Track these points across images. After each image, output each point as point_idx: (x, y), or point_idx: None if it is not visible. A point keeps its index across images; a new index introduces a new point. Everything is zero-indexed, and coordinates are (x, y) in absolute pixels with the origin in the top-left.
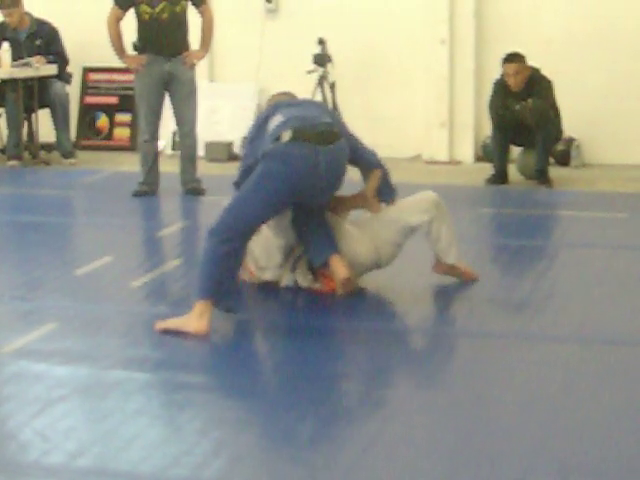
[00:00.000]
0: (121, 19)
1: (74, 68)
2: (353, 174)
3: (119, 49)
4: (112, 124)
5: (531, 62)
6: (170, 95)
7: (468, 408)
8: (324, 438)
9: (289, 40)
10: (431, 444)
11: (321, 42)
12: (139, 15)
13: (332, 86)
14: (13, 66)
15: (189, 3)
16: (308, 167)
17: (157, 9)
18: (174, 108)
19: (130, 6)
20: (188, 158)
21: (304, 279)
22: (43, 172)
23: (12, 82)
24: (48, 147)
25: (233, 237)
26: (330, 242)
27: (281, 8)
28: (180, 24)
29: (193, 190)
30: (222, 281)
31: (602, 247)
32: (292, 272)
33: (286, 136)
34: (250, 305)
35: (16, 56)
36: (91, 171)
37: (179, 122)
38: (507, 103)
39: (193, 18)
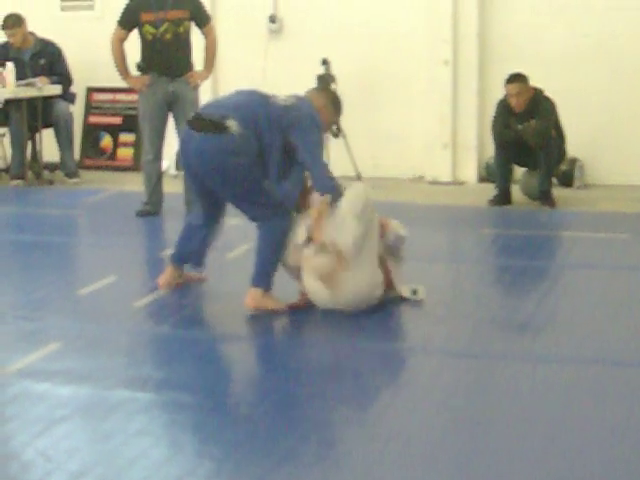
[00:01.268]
0: (125, 39)
1: (78, 88)
2: None
3: (122, 69)
4: (116, 144)
5: (534, 82)
6: (174, 115)
7: (469, 429)
8: (324, 459)
9: (293, 60)
10: (432, 465)
11: (325, 62)
12: (143, 35)
13: None
14: (17, 86)
15: (192, 23)
16: (183, 149)
17: (160, 29)
18: (177, 128)
19: (134, 27)
20: None
21: None
22: (47, 191)
23: (16, 102)
24: (52, 167)
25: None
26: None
27: (285, 29)
28: (183, 44)
29: None
30: (181, 248)
31: (605, 268)
32: None
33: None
34: (250, 327)
35: (20, 76)
36: (94, 191)
37: None
38: (510, 123)
39: (197, 38)
